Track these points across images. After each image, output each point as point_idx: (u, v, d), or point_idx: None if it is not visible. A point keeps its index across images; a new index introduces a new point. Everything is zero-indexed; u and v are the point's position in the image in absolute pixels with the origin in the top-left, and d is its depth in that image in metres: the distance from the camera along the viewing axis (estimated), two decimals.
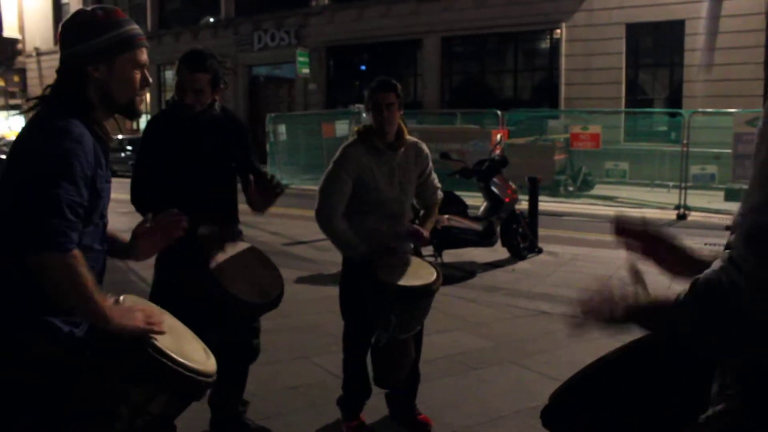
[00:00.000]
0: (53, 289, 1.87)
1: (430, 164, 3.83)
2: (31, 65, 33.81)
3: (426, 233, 3.67)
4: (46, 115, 2.00)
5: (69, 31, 2.08)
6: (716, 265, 1.21)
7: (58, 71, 2.09)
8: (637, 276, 1.43)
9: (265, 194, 3.38)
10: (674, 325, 1.29)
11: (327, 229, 3.59)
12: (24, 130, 2.01)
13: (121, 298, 2.05)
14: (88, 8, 2.11)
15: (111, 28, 2.05)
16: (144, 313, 1.99)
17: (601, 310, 1.41)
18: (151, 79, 2.18)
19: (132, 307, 2.01)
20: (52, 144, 1.90)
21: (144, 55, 2.12)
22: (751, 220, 1.15)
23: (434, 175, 3.88)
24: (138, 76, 2.11)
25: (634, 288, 1.40)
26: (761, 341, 1.17)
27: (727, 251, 1.20)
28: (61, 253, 1.84)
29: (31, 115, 2.07)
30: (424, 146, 3.81)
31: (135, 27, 2.12)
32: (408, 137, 3.70)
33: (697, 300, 1.22)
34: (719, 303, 1.19)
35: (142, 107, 2.26)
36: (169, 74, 27.04)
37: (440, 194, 3.95)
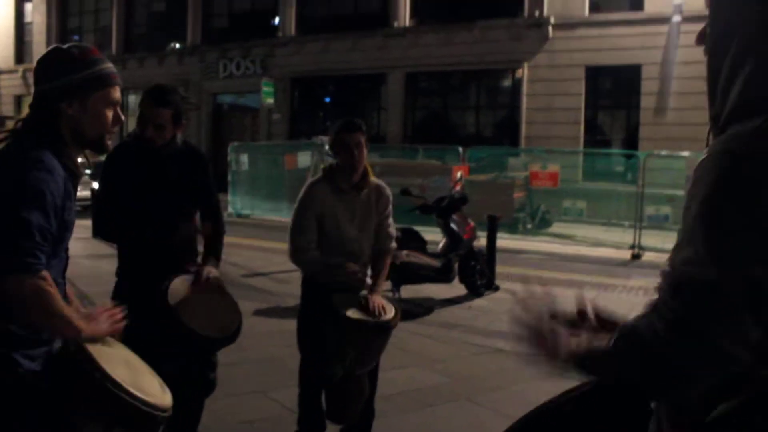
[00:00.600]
0: (22, 309, 1.91)
1: (390, 208, 3.85)
2: None
3: (378, 302, 3.59)
4: (19, 148, 2.03)
5: (44, 67, 2.12)
6: (641, 312, 1.31)
7: (32, 106, 2.13)
8: (582, 317, 1.51)
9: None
10: (603, 370, 1.38)
11: (306, 265, 3.66)
12: None
13: None
14: (65, 46, 2.15)
15: (86, 67, 2.09)
16: (108, 316, 2.09)
17: (545, 349, 1.49)
18: (123, 117, 2.22)
19: (94, 313, 2.08)
20: (25, 173, 1.94)
21: (117, 93, 2.17)
22: (680, 273, 1.24)
23: (391, 221, 3.88)
24: (110, 113, 2.15)
25: (579, 331, 1.48)
26: (681, 385, 1.27)
27: (653, 299, 1.29)
28: (29, 274, 1.88)
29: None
30: (387, 189, 3.86)
31: (109, 66, 2.16)
32: (372, 179, 3.77)
33: (621, 346, 1.32)
34: (640, 349, 1.28)
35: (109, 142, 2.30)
36: (133, 98, 26.86)
37: (394, 245, 3.93)
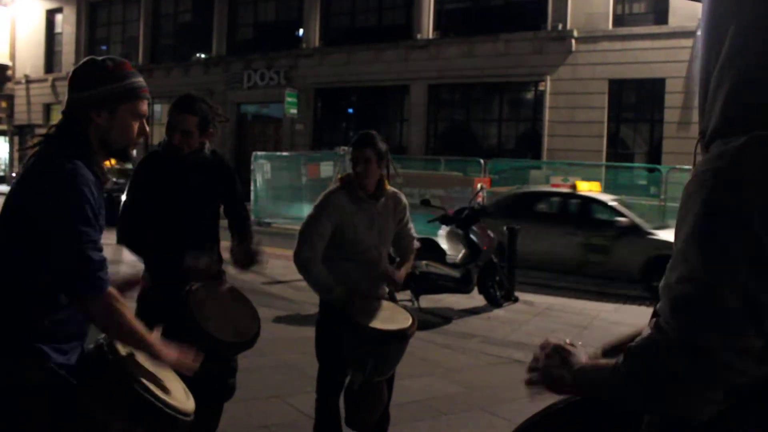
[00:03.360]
0: (101, 326, 2.08)
1: (408, 214, 3.94)
2: (20, 92, 33.85)
3: (399, 277, 3.77)
4: (53, 156, 2.10)
5: (79, 76, 2.21)
6: (646, 332, 1.33)
7: (64, 113, 2.22)
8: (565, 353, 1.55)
9: (247, 257, 3.57)
10: (611, 391, 1.41)
11: (305, 272, 3.67)
12: (33, 169, 2.10)
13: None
14: (100, 58, 2.25)
15: (118, 79, 2.19)
16: (180, 351, 2.19)
17: (550, 374, 1.53)
18: (147, 129, 2.31)
19: (168, 345, 2.19)
20: (67, 189, 2.01)
21: (144, 107, 2.26)
22: (678, 291, 1.27)
23: (411, 225, 3.98)
24: (136, 125, 2.24)
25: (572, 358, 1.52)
26: (692, 403, 1.29)
27: (655, 319, 1.32)
28: (99, 295, 2.01)
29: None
30: (403, 197, 3.93)
31: (140, 80, 2.26)
32: (388, 188, 3.82)
33: (630, 365, 1.34)
34: (649, 367, 1.30)
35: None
36: (158, 108, 27.25)
37: (417, 243, 4.05)
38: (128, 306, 2.11)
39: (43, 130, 2.26)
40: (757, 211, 1.20)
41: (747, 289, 1.20)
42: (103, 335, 2.11)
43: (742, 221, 1.21)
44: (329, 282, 3.63)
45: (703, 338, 1.23)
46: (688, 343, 1.24)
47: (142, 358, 2.14)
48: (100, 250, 2.04)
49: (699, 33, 1.42)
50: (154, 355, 2.13)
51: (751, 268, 1.20)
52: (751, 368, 1.23)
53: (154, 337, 2.16)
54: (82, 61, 2.27)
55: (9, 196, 2.10)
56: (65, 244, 1.98)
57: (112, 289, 2.05)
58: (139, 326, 2.11)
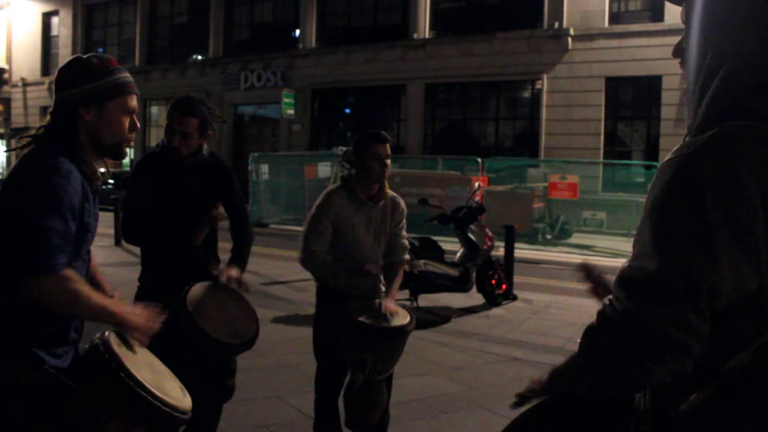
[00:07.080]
0: (54, 307, 2.00)
1: (404, 221, 3.91)
2: (17, 95, 33.83)
3: (393, 306, 3.67)
4: (38, 153, 2.10)
5: (65, 75, 2.19)
6: (599, 309, 1.39)
7: (52, 113, 2.20)
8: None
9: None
10: (578, 373, 1.45)
11: (311, 266, 3.68)
12: (16, 166, 2.11)
13: (106, 333, 2.14)
14: (85, 56, 2.23)
15: (104, 75, 2.17)
16: (147, 315, 2.17)
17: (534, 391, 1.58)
18: (138, 125, 2.29)
19: (136, 308, 2.17)
20: (42, 180, 2.01)
21: (133, 102, 2.24)
22: (630, 266, 1.33)
23: (404, 234, 3.94)
24: (126, 121, 2.22)
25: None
26: (637, 375, 1.34)
27: (609, 295, 1.38)
28: (50, 275, 1.95)
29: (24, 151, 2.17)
30: (402, 202, 3.91)
31: (127, 75, 2.24)
32: (388, 191, 3.82)
33: (587, 341, 1.40)
34: (600, 338, 1.37)
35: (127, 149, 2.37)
36: (155, 110, 27.26)
37: (407, 256, 4.00)
38: (83, 283, 2.05)
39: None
40: (712, 196, 1.24)
41: (693, 272, 1.24)
42: (98, 335, 2.10)
43: (696, 206, 1.25)
44: (336, 268, 3.64)
45: (645, 311, 1.27)
46: (631, 316, 1.29)
47: (138, 357, 2.14)
48: (63, 241, 2.00)
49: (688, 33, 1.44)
50: (120, 325, 2.10)
51: (699, 251, 1.24)
52: (696, 345, 1.27)
53: (118, 305, 2.12)
54: (67, 61, 2.25)
55: None
56: (25, 223, 1.95)
57: (69, 271, 2.00)
58: (98, 301, 2.05)
